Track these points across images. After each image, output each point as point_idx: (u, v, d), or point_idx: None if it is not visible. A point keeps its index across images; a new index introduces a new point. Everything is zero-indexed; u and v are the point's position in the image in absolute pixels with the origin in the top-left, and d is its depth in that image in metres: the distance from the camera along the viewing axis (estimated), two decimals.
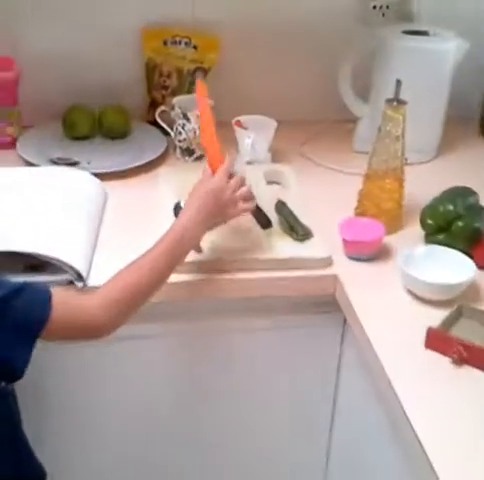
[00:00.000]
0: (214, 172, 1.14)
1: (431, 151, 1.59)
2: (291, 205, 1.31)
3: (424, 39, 1.49)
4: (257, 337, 1.27)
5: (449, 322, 1.06)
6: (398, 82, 1.23)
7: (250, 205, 1.15)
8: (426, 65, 1.47)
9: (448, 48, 1.48)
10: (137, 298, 1.02)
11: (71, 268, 1.12)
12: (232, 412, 1.35)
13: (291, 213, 1.28)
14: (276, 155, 1.54)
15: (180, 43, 1.58)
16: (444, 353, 1.02)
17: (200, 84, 1.28)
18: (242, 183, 1.14)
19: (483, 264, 1.17)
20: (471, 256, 1.18)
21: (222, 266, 1.18)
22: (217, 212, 1.11)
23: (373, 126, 1.56)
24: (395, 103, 1.24)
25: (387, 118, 1.25)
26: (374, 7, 1.63)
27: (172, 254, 1.06)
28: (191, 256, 1.17)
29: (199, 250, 1.16)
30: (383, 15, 1.63)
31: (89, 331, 0.99)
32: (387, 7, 1.63)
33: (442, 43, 1.49)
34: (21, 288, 0.93)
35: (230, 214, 1.13)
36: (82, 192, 1.31)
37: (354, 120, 1.62)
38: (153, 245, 1.06)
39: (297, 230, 1.23)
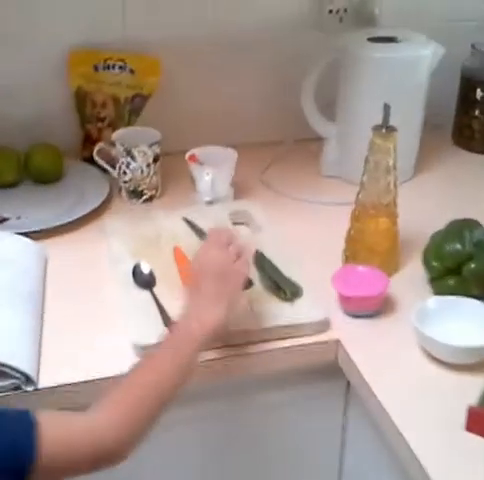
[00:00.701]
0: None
1: (409, 169, 1.42)
2: (268, 254, 1.12)
3: (395, 47, 1.31)
4: (248, 418, 1.07)
5: None
6: (386, 106, 1.04)
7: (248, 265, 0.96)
8: (399, 77, 1.29)
9: (423, 56, 1.30)
10: (153, 406, 0.81)
11: (16, 370, 0.89)
12: None
13: (273, 267, 1.08)
14: (236, 187, 1.34)
15: (114, 67, 1.35)
16: None
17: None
18: (240, 248, 0.95)
19: None
20: None
21: None
22: (225, 287, 0.91)
23: (341, 147, 1.40)
24: (384, 130, 1.05)
25: (375, 148, 1.06)
26: (330, 11, 1.43)
27: (187, 352, 0.85)
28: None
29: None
30: (341, 20, 1.44)
31: (103, 459, 0.76)
32: (345, 10, 1.44)
33: (416, 51, 1.31)
34: None
35: (238, 282, 0.92)
36: (15, 266, 1.06)
37: (316, 138, 1.43)
38: (160, 347, 0.88)
39: (284, 289, 1.04)
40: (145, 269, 1.08)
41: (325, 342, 1.01)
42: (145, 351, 0.95)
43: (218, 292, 0.89)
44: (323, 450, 1.13)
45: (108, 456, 0.76)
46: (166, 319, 0.99)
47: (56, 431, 0.73)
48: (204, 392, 1.00)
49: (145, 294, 1.05)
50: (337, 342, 1.01)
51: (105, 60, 1.35)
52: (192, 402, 1.01)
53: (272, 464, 1.13)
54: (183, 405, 1.00)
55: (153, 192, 1.32)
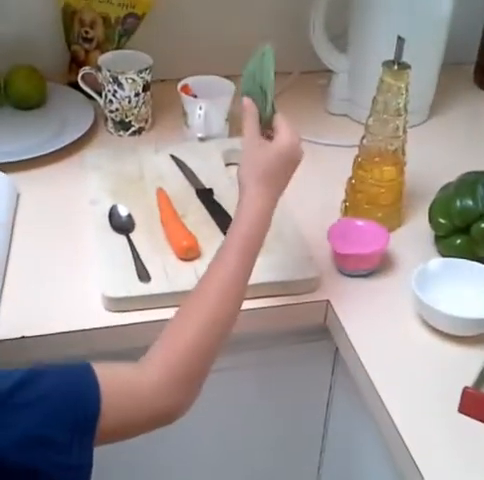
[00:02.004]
0: (179, 250, 0.93)
1: (424, 111, 1.29)
2: None
3: None
4: (228, 376, 0.99)
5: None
6: (400, 40, 0.92)
7: None
8: (419, 7, 1.15)
9: None
10: (207, 350, 0.73)
11: None
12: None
13: None
14: (233, 123, 1.22)
15: None
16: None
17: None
18: None
19: None
20: None
21: (176, 299, 0.88)
22: (287, 174, 0.82)
23: (351, 83, 1.28)
24: (395, 67, 0.93)
25: (385, 87, 0.94)
26: None
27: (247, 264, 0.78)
28: (141, 289, 0.88)
29: None
30: None
31: (159, 419, 0.70)
32: None
33: None
34: (38, 374, 0.62)
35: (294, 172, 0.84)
36: None
37: (326, 71, 1.31)
38: (218, 254, 0.77)
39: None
40: (123, 212, 0.99)
41: (313, 302, 0.92)
42: (114, 303, 0.87)
43: (285, 185, 0.82)
44: (309, 412, 1.06)
45: (167, 417, 0.70)
46: (140, 269, 0.91)
47: (115, 385, 0.66)
48: None
49: (121, 239, 0.96)
50: (327, 303, 0.92)
51: None
52: None
53: (260, 423, 1.07)
54: None
55: (142, 124, 1.22)
